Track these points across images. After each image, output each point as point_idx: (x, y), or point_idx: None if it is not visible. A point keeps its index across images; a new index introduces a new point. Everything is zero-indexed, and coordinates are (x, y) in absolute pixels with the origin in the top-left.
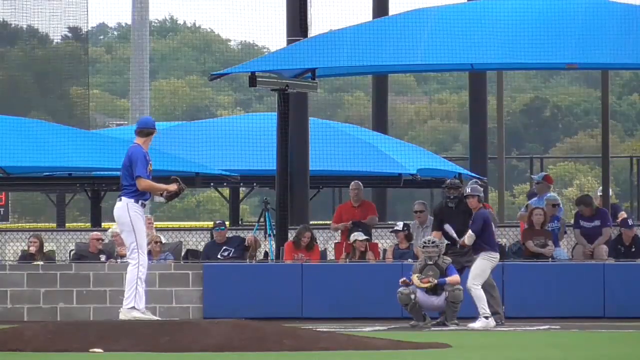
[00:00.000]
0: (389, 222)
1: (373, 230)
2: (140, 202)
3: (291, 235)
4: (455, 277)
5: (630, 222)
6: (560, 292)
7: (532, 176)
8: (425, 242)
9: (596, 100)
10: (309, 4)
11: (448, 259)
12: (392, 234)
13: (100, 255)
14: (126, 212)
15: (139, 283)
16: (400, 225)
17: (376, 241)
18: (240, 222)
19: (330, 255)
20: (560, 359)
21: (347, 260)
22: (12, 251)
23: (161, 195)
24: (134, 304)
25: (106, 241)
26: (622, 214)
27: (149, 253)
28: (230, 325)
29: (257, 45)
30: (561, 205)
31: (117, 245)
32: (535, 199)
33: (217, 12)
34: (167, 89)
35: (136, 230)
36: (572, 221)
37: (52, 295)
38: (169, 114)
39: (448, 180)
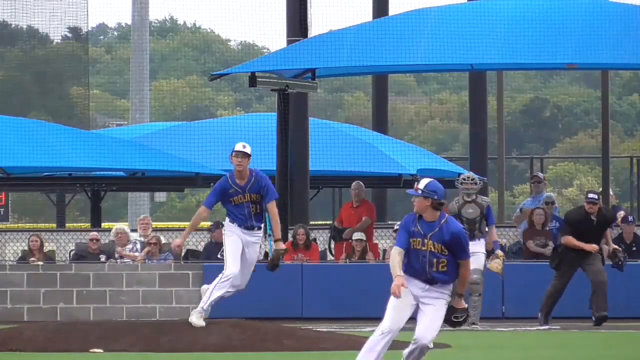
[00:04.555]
0: (389, 222)
1: (373, 231)
2: (234, 223)
3: (291, 235)
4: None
5: (630, 218)
6: None
7: (539, 174)
8: (464, 178)
9: (596, 100)
10: (309, 4)
11: (487, 199)
12: (393, 233)
13: (100, 255)
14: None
15: (213, 289)
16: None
17: (376, 241)
18: None
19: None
20: (560, 359)
21: (347, 260)
22: (12, 251)
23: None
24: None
25: (106, 241)
26: (622, 213)
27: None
28: (230, 325)
29: (257, 45)
30: (557, 205)
31: (118, 244)
32: (529, 199)
33: (217, 12)
34: (167, 89)
35: (225, 245)
36: None
37: (52, 295)
38: (169, 114)
39: (590, 195)
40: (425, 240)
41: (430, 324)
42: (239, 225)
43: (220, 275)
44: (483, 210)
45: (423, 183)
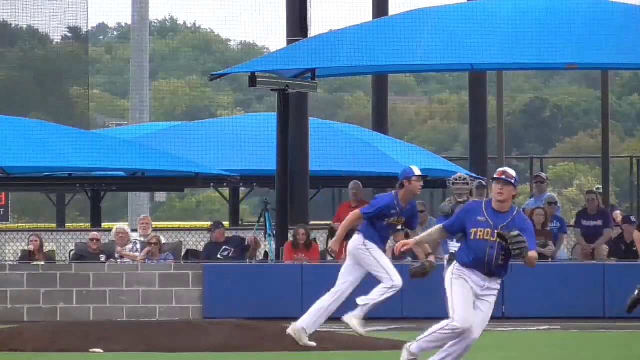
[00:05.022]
0: None
1: None
2: (374, 242)
3: (291, 235)
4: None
5: (632, 218)
6: (560, 292)
7: (542, 174)
8: (455, 179)
9: (596, 100)
10: (309, 4)
11: (479, 201)
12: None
13: (100, 255)
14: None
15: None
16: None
17: None
18: (240, 222)
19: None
20: (560, 359)
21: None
22: (12, 251)
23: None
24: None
25: (106, 241)
26: (617, 213)
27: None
28: (230, 325)
29: (257, 45)
30: (559, 205)
31: (118, 245)
32: (532, 199)
33: (217, 12)
34: (167, 89)
35: (377, 259)
36: (571, 221)
37: (52, 295)
38: (169, 114)
39: None
40: (496, 232)
41: (483, 320)
42: (377, 244)
43: (385, 285)
44: None
45: (512, 172)
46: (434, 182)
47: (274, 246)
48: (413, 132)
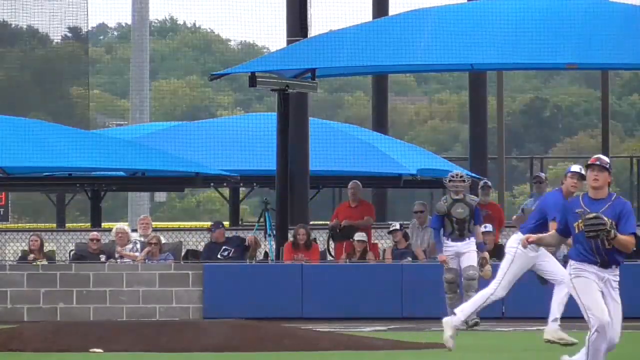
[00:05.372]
0: (389, 222)
1: (372, 231)
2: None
3: (291, 235)
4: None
5: None
6: None
7: (541, 174)
8: (452, 176)
9: (596, 100)
10: (309, 4)
11: (476, 198)
12: (389, 235)
13: (100, 256)
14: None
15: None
16: (397, 225)
17: (376, 241)
18: (240, 222)
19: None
20: (560, 359)
21: (347, 260)
22: (12, 251)
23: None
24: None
25: (106, 241)
26: None
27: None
28: (230, 325)
29: (257, 45)
30: None
31: (118, 245)
32: (531, 199)
33: (217, 12)
34: (167, 89)
35: (507, 262)
36: None
37: (52, 295)
38: (169, 114)
39: None
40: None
41: (618, 323)
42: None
43: (488, 289)
44: (472, 210)
45: (606, 158)
46: (434, 182)
47: (274, 246)
48: (413, 132)
